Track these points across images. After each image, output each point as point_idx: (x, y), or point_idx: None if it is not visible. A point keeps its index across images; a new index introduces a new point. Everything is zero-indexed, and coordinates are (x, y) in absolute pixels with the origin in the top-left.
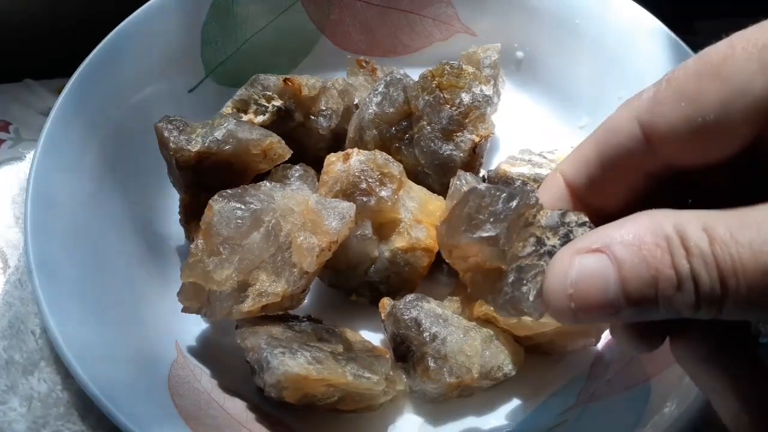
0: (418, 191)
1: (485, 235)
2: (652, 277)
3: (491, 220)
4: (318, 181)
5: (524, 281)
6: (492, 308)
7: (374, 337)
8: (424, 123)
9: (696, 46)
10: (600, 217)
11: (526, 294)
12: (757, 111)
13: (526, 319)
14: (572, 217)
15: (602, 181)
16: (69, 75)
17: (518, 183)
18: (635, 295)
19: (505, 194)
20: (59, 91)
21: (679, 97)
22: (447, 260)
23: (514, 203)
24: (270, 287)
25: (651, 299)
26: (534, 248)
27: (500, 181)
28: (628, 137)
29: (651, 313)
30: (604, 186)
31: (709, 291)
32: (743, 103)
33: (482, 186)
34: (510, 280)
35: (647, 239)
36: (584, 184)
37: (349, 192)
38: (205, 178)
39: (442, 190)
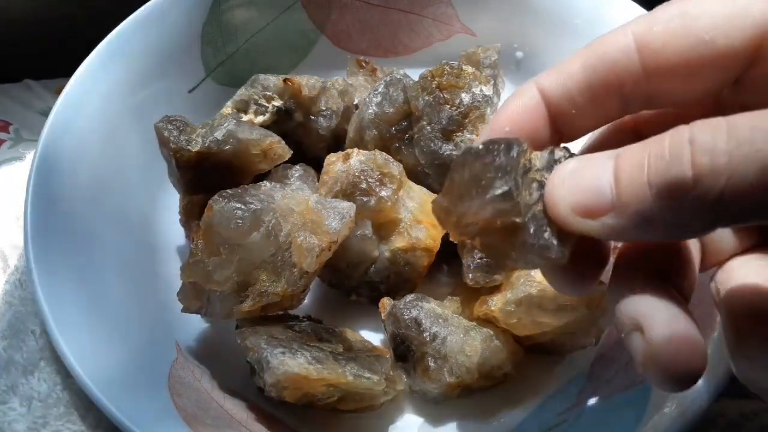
0: (418, 191)
1: (499, 191)
2: (642, 155)
3: (499, 175)
4: (318, 181)
5: (544, 227)
6: (512, 266)
7: (374, 337)
8: (424, 123)
9: None
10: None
11: (550, 239)
12: (754, 35)
13: (527, 319)
14: (560, 153)
15: (581, 101)
16: (69, 75)
17: None
18: (625, 176)
19: (503, 145)
20: (59, 91)
21: (679, 13)
22: (451, 232)
23: (514, 152)
24: (270, 287)
25: (641, 180)
26: (540, 192)
27: None
28: (620, 49)
29: (644, 202)
30: (579, 104)
31: (710, 146)
32: (742, 24)
33: (477, 144)
34: (531, 231)
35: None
36: (560, 98)
37: (349, 192)
38: (205, 178)
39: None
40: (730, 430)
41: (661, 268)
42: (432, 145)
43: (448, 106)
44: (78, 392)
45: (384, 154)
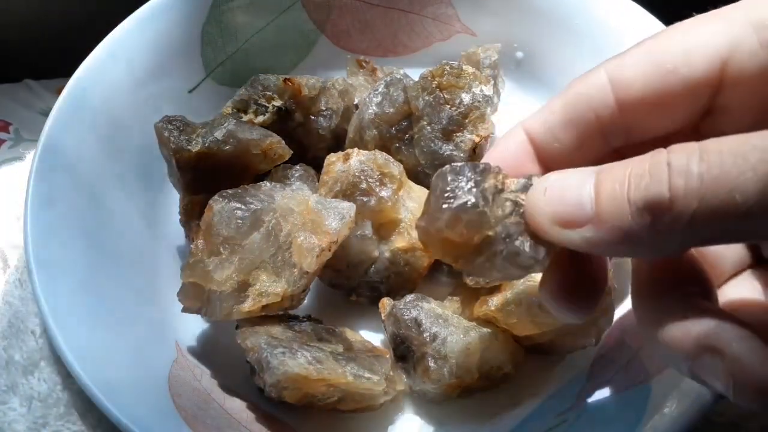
0: (418, 191)
1: (463, 200)
2: (624, 173)
3: (466, 188)
4: (318, 181)
5: (515, 236)
6: (494, 280)
7: (374, 337)
8: (424, 123)
9: None
10: None
11: (521, 246)
12: (714, 62)
13: (527, 319)
14: (537, 179)
15: (562, 136)
16: (69, 75)
17: None
18: (606, 191)
19: (469, 164)
20: (59, 91)
21: (647, 49)
22: (435, 256)
23: (480, 168)
24: (270, 287)
25: (621, 197)
26: (513, 209)
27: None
28: (595, 85)
29: (623, 217)
30: (561, 139)
31: (685, 168)
32: (703, 53)
33: (446, 166)
34: (502, 236)
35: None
36: (543, 135)
37: (349, 192)
38: (205, 178)
39: None
40: (729, 430)
41: (697, 290)
42: (432, 145)
43: (449, 106)
44: (78, 392)
45: (384, 154)
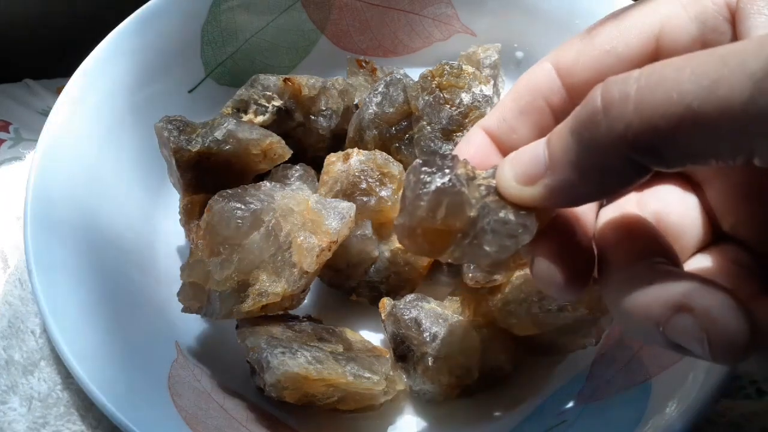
0: None
1: (440, 182)
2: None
3: (438, 174)
4: (318, 181)
5: (498, 210)
6: (487, 260)
7: (374, 337)
8: (424, 123)
9: None
10: None
11: (506, 216)
12: (648, 38)
13: (527, 319)
14: None
15: (519, 127)
16: (69, 75)
17: None
18: (554, 136)
19: (438, 154)
20: (59, 91)
21: (585, 35)
22: (421, 254)
23: (448, 156)
24: (270, 287)
25: (564, 132)
26: (487, 191)
27: None
28: (541, 74)
29: (568, 148)
30: (518, 129)
31: (621, 80)
32: (637, 31)
33: (415, 161)
34: (486, 211)
35: None
36: (500, 129)
37: (349, 192)
38: (205, 178)
39: None
40: (730, 431)
41: (664, 260)
42: (432, 145)
43: (448, 106)
44: (78, 392)
45: (384, 154)
